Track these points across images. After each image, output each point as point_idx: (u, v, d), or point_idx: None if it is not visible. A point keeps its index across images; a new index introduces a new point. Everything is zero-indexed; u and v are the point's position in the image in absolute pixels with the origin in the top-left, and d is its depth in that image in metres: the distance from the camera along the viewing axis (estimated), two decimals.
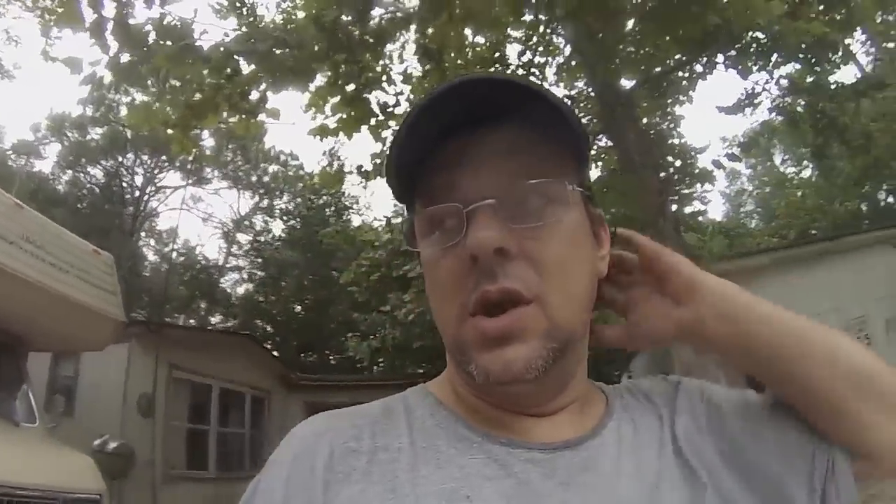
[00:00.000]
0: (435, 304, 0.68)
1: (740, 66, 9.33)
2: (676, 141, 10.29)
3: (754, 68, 9.36)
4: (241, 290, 27.67)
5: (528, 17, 8.35)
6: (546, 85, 10.08)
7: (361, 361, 17.12)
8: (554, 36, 9.27)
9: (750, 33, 8.46)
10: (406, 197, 0.70)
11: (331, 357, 23.22)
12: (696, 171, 9.93)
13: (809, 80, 9.85)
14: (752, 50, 9.06)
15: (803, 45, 8.61)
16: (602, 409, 0.73)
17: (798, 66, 9.78)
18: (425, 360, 14.58)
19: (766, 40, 8.75)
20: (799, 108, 9.88)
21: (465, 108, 0.62)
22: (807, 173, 23.56)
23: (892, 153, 14.16)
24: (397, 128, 0.65)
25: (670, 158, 9.51)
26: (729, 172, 29.89)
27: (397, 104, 7.52)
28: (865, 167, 14.14)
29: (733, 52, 9.01)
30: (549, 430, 0.68)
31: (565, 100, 0.71)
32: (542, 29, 9.02)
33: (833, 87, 9.58)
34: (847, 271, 11.04)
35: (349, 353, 17.78)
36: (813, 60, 9.31)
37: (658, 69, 8.97)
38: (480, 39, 8.83)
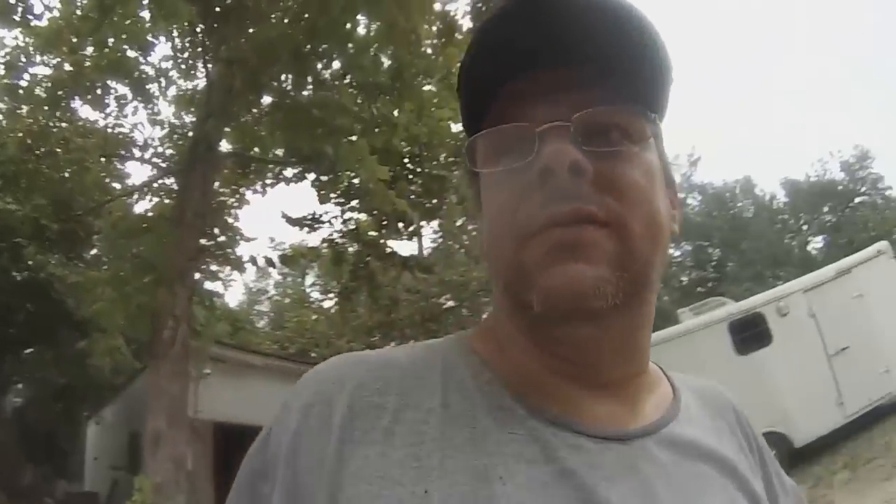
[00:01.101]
0: (492, 232, 0.59)
1: (323, 192, 10.29)
2: (231, 220, 10.35)
3: (332, 200, 10.49)
4: None
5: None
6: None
7: None
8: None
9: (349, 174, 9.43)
10: (474, 121, 0.61)
11: None
12: (233, 256, 9.99)
13: (373, 233, 11.24)
14: (342, 186, 10.09)
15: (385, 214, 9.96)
16: (668, 401, 0.66)
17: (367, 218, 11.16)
18: None
19: (356, 187, 9.69)
20: (349, 252, 11.08)
21: (537, 31, 0.56)
22: (328, 304, 26.00)
23: (401, 320, 16.99)
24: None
25: (216, 230, 9.56)
26: (261, 269, 31.29)
27: None
28: (380, 324, 16.35)
29: (324, 179, 9.97)
30: (606, 411, 0.59)
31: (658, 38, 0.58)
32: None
33: (388, 252, 11.10)
34: None
35: None
36: (384, 222, 10.80)
37: (258, 154, 9.32)
38: None
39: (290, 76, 7.50)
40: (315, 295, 28.56)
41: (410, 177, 9.61)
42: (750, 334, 8.62)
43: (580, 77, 0.57)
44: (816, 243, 30.27)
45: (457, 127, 9.03)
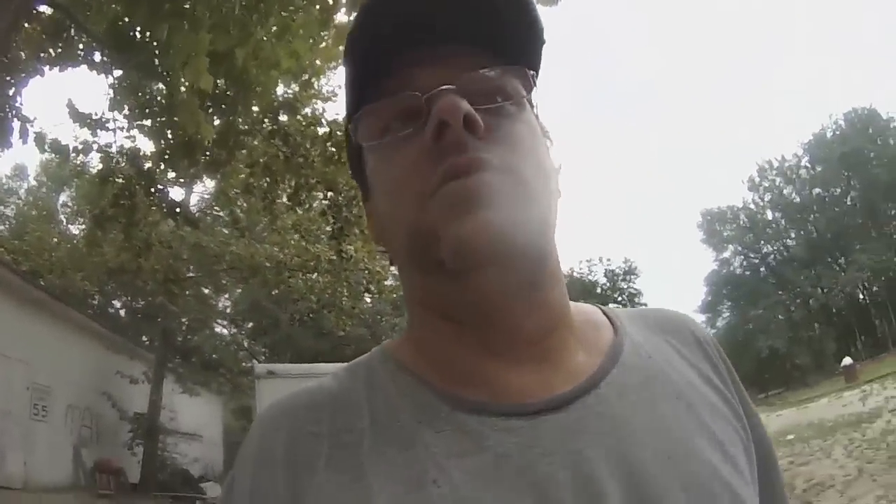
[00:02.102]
0: (388, 202, 0.60)
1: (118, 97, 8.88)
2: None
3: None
4: None
5: None
6: None
7: None
8: None
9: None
10: (355, 106, 0.62)
11: None
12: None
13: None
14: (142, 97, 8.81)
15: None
16: (606, 346, 0.63)
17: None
18: None
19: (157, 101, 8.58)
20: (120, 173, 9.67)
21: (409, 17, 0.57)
22: (74, 231, 23.16)
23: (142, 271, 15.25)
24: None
25: None
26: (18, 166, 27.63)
27: None
28: (123, 268, 14.49)
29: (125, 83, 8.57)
30: (530, 380, 0.57)
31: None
32: None
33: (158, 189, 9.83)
34: (49, 337, 11.21)
35: None
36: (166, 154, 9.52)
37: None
38: None
39: None
40: (64, 217, 25.59)
41: (216, 109, 8.42)
42: None
43: (457, 48, 0.58)
44: None
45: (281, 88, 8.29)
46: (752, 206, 52.17)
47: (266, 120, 9.58)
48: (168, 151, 9.30)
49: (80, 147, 9.16)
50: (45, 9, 7.99)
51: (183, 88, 6.69)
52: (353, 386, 0.62)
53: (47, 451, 11.05)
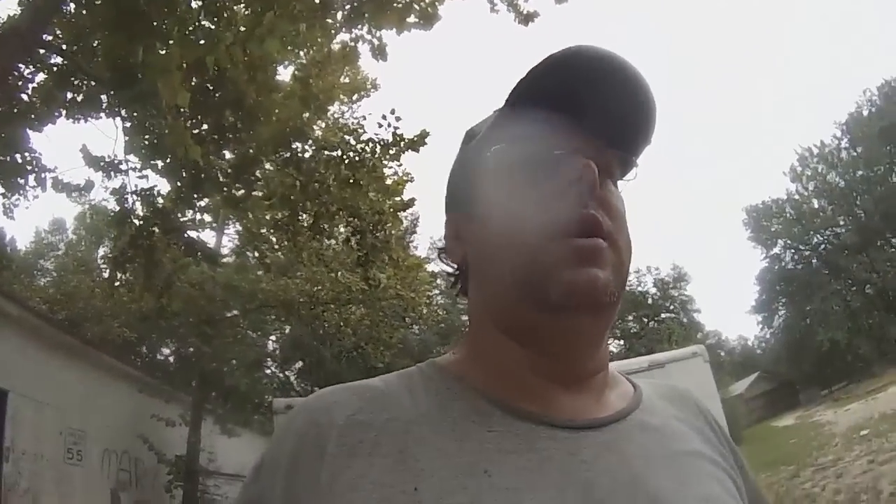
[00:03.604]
0: (511, 215, 0.68)
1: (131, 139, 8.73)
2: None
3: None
4: None
5: None
6: None
7: None
8: None
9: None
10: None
11: None
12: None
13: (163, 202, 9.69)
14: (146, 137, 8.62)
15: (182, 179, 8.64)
16: (630, 395, 0.75)
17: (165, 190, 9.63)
18: None
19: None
20: (136, 215, 9.48)
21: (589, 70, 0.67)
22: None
23: (178, 315, 15.18)
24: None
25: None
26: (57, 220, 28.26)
27: None
28: (158, 312, 14.36)
29: (133, 121, 8.41)
30: (576, 405, 0.68)
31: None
32: None
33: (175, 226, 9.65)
34: (81, 382, 11.22)
35: None
36: (181, 190, 9.29)
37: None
38: None
39: None
40: (102, 267, 25.99)
41: (222, 141, 8.19)
42: None
43: (606, 124, 0.69)
44: (614, 347, 32.12)
45: (285, 111, 8.05)
46: (796, 197, 50.08)
47: (280, 150, 9.32)
48: (183, 189, 9.14)
49: (83, 185, 8.96)
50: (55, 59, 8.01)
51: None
52: (406, 386, 0.69)
53: (84, 496, 10.94)
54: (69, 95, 8.07)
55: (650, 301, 35.40)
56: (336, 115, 11.38)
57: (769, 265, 50.02)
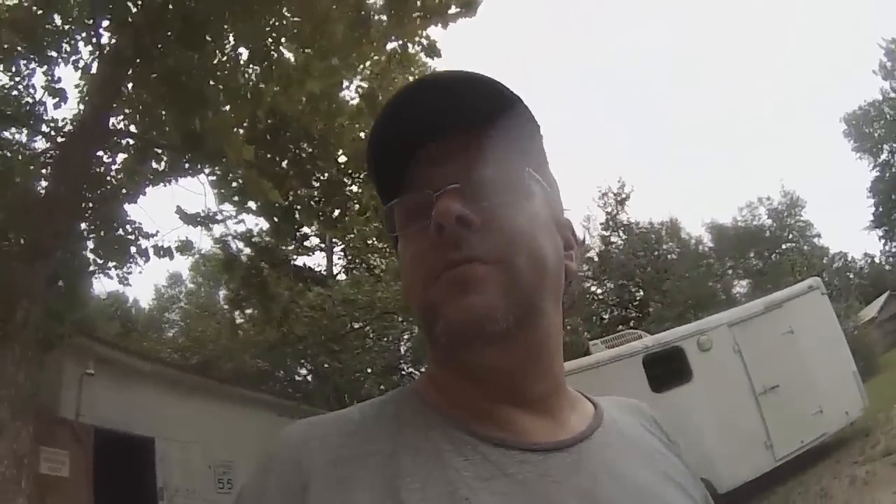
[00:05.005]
0: (407, 281, 0.70)
1: (221, 190, 9.32)
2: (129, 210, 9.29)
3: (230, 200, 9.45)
4: None
5: None
6: None
7: None
8: None
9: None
10: (386, 194, 0.73)
11: None
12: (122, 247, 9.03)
13: (267, 239, 10.28)
14: (233, 186, 9.16)
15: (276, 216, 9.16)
16: (591, 414, 0.76)
17: (265, 226, 10.17)
18: None
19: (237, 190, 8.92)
20: (243, 257, 10.10)
21: (430, 108, 0.68)
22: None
23: (303, 338, 16.01)
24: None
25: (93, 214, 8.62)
26: (174, 275, 29.98)
27: None
28: (282, 340, 15.27)
29: (216, 175, 9.00)
30: (539, 427, 0.69)
31: (518, 97, 0.70)
32: None
33: (281, 259, 10.20)
34: (220, 417, 11.78)
35: None
36: (279, 228, 9.85)
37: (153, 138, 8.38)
38: None
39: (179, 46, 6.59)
40: (225, 308, 27.49)
41: (305, 174, 8.65)
42: (667, 370, 7.85)
43: (468, 144, 0.69)
44: (742, 287, 30.68)
45: (355, 131, 8.38)
46: (892, 95, 45.96)
47: (361, 166, 9.74)
48: (280, 224, 9.70)
49: (180, 245, 9.60)
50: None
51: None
52: (381, 416, 0.69)
53: None
54: (153, 165, 8.68)
55: (767, 234, 33.61)
56: None
57: (880, 174, 45.98)
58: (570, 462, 0.67)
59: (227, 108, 5.91)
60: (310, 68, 6.08)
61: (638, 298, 28.77)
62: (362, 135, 8.62)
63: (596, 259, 28.24)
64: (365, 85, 9.32)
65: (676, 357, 7.93)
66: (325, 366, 16.38)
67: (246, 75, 6.72)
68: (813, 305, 8.31)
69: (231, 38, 6.75)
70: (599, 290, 28.81)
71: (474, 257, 0.64)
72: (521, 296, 0.65)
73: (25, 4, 7.41)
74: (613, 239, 29.32)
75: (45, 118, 8.43)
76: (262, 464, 0.66)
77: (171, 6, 6.41)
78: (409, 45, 8.32)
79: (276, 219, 9.59)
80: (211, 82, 6.09)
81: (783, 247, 31.55)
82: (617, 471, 0.68)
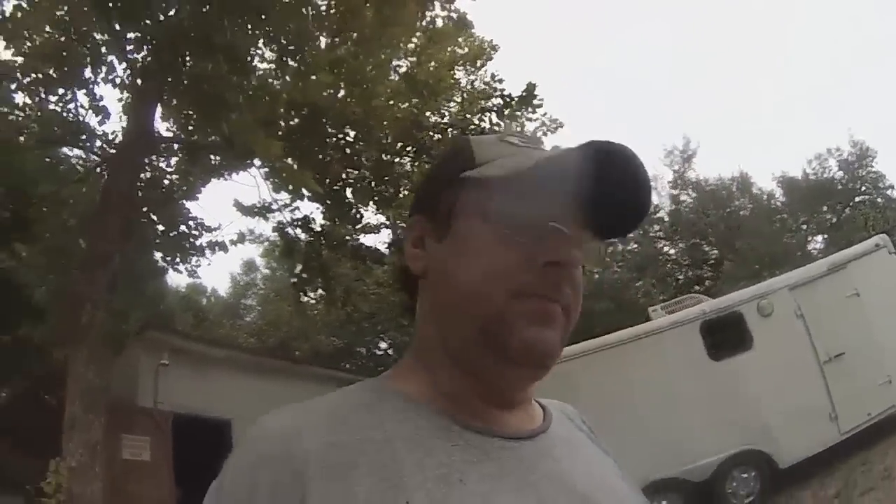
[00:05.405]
0: (475, 275, 0.73)
1: (273, 181, 9.58)
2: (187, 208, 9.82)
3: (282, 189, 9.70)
4: None
5: None
6: None
7: None
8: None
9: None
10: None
11: None
12: (186, 243, 9.58)
13: (324, 223, 10.52)
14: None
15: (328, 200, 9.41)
16: (542, 413, 0.86)
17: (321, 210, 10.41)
18: None
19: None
20: (301, 243, 10.36)
21: (633, 206, 0.78)
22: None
23: (373, 315, 16.36)
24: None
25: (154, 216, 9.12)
26: (248, 262, 31.06)
27: None
28: (351, 318, 15.72)
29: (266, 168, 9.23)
30: (513, 421, 0.78)
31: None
32: None
33: (336, 242, 10.42)
34: (295, 396, 12.39)
35: None
36: (336, 219, 10.08)
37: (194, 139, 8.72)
38: None
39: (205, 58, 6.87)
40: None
41: (350, 157, 8.79)
42: (726, 337, 7.51)
43: (605, 219, 0.78)
44: (816, 243, 29.23)
45: (395, 111, 8.41)
46: None
47: (407, 144, 9.81)
48: (333, 208, 9.93)
49: (236, 238, 9.98)
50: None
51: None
52: (359, 405, 0.72)
53: None
54: (210, 161, 9.06)
55: (839, 187, 31.79)
56: (467, 88, 11.51)
57: None
58: (537, 449, 0.76)
59: (246, 112, 6.10)
60: (361, 60, 6.17)
61: (712, 258, 27.87)
62: (399, 115, 8.70)
63: (666, 219, 27.46)
64: (403, 65, 9.40)
65: (735, 323, 7.55)
66: (398, 340, 16.77)
67: (259, 74, 6.89)
68: (881, 265, 7.70)
69: (259, 39, 6.92)
70: (672, 251, 28.05)
71: (560, 300, 0.74)
72: (568, 336, 0.77)
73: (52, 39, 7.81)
74: (683, 198, 28.40)
75: (98, 134, 8.91)
76: (245, 455, 0.67)
77: (185, 22, 6.67)
78: (439, 20, 8.32)
79: (328, 202, 9.85)
80: (231, 85, 6.30)
81: (856, 199, 29.71)
82: (576, 455, 0.80)
